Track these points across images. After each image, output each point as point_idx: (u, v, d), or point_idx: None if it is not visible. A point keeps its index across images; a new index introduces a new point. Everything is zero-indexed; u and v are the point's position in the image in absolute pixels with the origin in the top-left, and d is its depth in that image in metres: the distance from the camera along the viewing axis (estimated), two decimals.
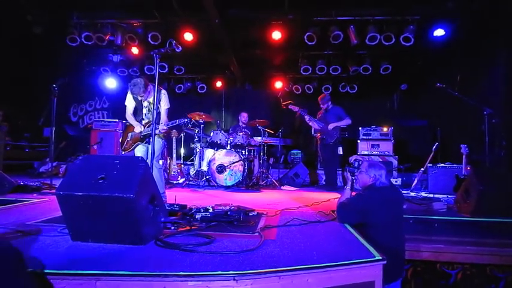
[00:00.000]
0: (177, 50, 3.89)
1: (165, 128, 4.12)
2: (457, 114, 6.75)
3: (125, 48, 7.73)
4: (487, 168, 5.04)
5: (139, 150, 4.25)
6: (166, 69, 8.26)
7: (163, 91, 4.24)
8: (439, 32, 6.39)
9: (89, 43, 6.98)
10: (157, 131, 3.95)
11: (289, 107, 6.25)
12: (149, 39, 6.81)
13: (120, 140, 4.44)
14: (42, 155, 7.98)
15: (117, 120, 7.78)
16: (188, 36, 6.85)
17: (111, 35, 7.05)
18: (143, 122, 4.25)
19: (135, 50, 7.61)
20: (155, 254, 2.12)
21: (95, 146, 7.54)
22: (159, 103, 4.10)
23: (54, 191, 4.59)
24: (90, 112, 9.93)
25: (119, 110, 9.37)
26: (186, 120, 4.27)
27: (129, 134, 4.30)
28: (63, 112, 9.25)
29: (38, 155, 8.07)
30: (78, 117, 9.91)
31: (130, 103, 4.26)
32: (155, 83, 3.68)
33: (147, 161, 3.51)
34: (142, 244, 2.27)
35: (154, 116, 3.55)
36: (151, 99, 4.15)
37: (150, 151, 3.74)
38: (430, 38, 6.52)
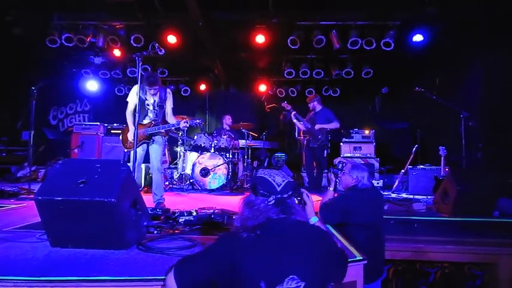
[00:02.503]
0: (160, 53, 3.89)
1: (187, 125, 4.21)
2: (436, 117, 6.94)
3: (107, 51, 7.60)
4: (464, 169, 5.19)
5: (138, 152, 4.16)
6: (149, 71, 8.16)
7: (168, 90, 4.28)
8: (417, 38, 6.56)
9: (70, 45, 6.83)
10: (163, 130, 4.15)
11: (282, 104, 6.20)
12: (132, 42, 6.72)
13: (121, 138, 4.39)
14: (20, 159, 7.74)
15: (98, 123, 7.63)
16: (171, 39, 6.80)
17: (92, 37, 6.92)
18: (145, 120, 4.21)
19: (117, 53, 7.49)
20: (138, 259, 2.09)
21: (76, 150, 7.37)
22: (165, 102, 4.20)
23: (32, 196, 4.47)
24: (70, 115, 9.72)
25: (100, 113, 9.30)
26: (199, 120, 4.48)
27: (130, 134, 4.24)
28: (42, 115, 9.01)
29: (16, 159, 7.82)
30: (58, 120, 9.68)
31: (132, 101, 4.17)
32: (138, 86, 3.66)
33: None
34: (124, 249, 2.24)
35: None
36: (156, 98, 4.18)
37: (153, 154, 4.08)
38: (409, 43, 6.68)
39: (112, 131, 7.64)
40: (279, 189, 1.54)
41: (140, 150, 4.19)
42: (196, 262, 1.51)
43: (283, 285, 1.35)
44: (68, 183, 2.23)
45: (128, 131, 4.25)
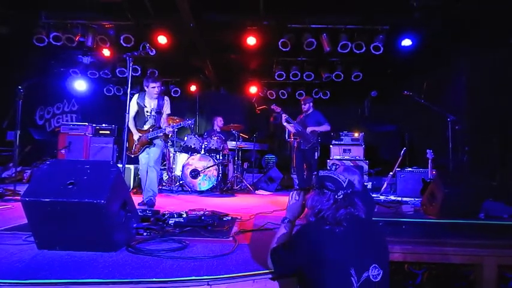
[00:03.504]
0: (151, 54, 3.90)
1: (171, 130, 4.56)
2: (423, 120, 7.05)
3: (96, 50, 7.50)
4: (450, 172, 5.28)
5: (144, 156, 4.51)
6: (139, 72, 8.07)
7: (166, 98, 4.63)
8: (406, 42, 6.66)
9: (58, 44, 6.70)
10: (161, 134, 4.44)
11: (272, 107, 6.20)
12: (121, 41, 6.65)
13: (127, 145, 4.55)
14: (5, 159, 7.56)
15: (86, 123, 7.53)
16: (162, 39, 6.74)
17: (81, 36, 6.80)
18: (145, 126, 4.48)
19: (106, 52, 7.40)
20: (127, 261, 2.07)
21: (63, 151, 7.25)
22: (163, 109, 4.55)
23: (18, 197, 4.40)
24: (58, 115, 9.56)
25: (88, 113, 9.17)
26: (190, 121, 4.84)
27: (136, 138, 4.48)
28: (28, 115, 8.85)
29: (1, 159, 7.65)
30: (44, 120, 9.51)
31: (133, 108, 4.45)
32: (128, 86, 3.63)
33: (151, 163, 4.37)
34: (113, 251, 2.22)
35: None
36: (153, 104, 4.49)
37: (151, 154, 4.41)
38: (398, 47, 6.78)
39: (100, 132, 7.55)
40: (344, 185, 1.73)
41: (145, 154, 4.49)
42: (284, 251, 1.76)
43: (368, 272, 1.55)
44: (56, 184, 2.20)
45: (132, 136, 4.49)
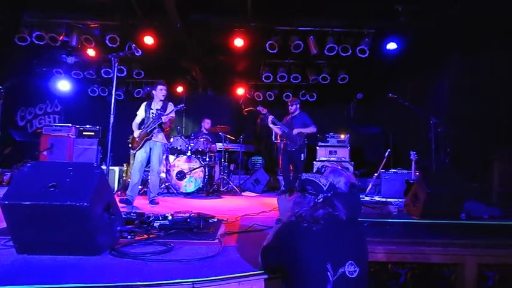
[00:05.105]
0: (137, 54, 3.89)
1: (172, 116, 4.86)
2: (407, 122, 7.17)
3: (81, 50, 7.37)
4: (433, 174, 5.38)
5: (141, 154, 4.71)
6: (125, 72, 7.98)
7: (170, 103, 5.01)
8: (391, 46, 6.78)
9: (41, 43, 6.55)
10: (161, 121, 4.72)
11: (258, 108, 6.20)
12: (107, 42, 6.55)
13: (130, 145, 4.96)
14: None
15: (70, 124, 7.38)
16: (148, 40, 6.67)
17: (65, 36, 6.66)
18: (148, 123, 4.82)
19: (91, 52, 7.27)
20: (110, 265, 2.04)
21: (45, 152, 7.09)
22: (166, 110, 4.89)
23: None
24: (40, 116, 9.33)
25: (72, 114, 9.00)
26: (181, 105, 5.11)
27: (136, 135, 4.80)
28: (9, 116, 8.61)
29: None
30: (26, 122, 9.27)
31: (141, 113, 4.93)
32: (113, 87, 3.58)
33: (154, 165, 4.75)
34: (96, 254, 2.18)
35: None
36: (158, 106, 4.89)
37: (152, 157, 4.73)
38: (384, 50, 6.89)
39: (84, 133, 7.42)
40: (325, 188, 1.79)
41: (143, 153, 4.71)
42: (269, 248, 1.89)
43: (344, 268, 1.63)
44: (37, 187, 2.15)
45: (134, 135, 4.85)
